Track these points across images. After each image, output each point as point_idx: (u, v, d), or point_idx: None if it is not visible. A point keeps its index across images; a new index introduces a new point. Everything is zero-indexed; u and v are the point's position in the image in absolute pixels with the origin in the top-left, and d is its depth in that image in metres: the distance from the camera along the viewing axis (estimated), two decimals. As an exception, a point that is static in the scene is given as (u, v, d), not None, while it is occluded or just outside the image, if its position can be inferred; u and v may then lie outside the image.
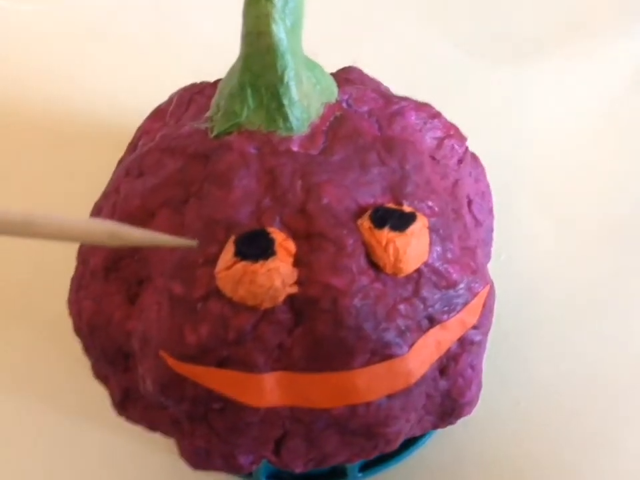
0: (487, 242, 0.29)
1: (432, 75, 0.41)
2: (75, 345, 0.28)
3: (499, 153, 0.37)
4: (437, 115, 0.27)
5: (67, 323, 0.27)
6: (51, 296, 0.31)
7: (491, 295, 0.26)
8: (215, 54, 0.37)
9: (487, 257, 0.29)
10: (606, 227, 0.35)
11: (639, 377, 0.31)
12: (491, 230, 0.29)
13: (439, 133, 0.27)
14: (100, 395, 0.28)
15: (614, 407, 0.31)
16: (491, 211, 0.29)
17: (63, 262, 0.31)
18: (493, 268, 0.28)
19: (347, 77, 0.27)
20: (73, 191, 0.35)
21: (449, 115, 0.31)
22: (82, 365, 0.27)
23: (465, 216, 0.26)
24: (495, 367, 0.31)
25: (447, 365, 0.25)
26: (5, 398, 0.30)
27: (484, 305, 0.25)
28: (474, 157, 0.28)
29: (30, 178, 0.36)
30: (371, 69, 0.40)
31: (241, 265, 0.22)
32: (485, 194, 0.28)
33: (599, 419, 0.30)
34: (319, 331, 0.23)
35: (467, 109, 0.38)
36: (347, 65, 0.39)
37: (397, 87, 0.33)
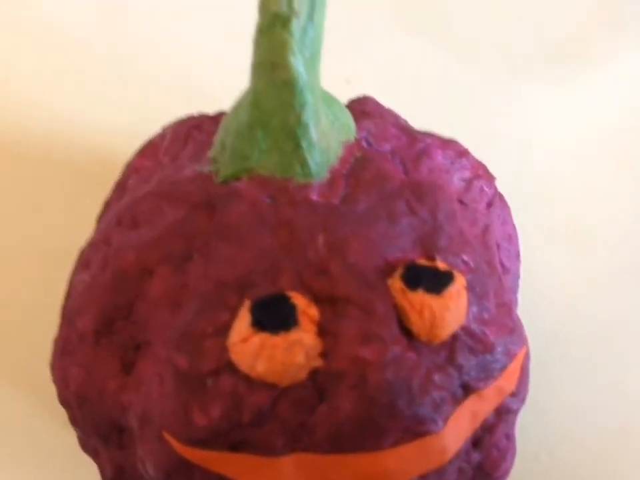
0: (514, 289, 0.26)
1: (432, 93, 0.38)
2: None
3: (507, 177, 0.35)
4: (464, 153, 0.24)
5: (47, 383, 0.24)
6: (30, 350, 0.28)
7: (527, 356, 0.23)
8: (204, 70, 0.35)
9: (515, 304, 0.26)
10: (626, 257, 0.33)
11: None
12: (518, 276, 0.26)
13: (467, 174, 0.24)
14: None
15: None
16: (518, 255, 0.26)
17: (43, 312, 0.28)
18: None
19: (363, 109, 0.24)
20: (43, 231, 0.31)
21: (451, 133, 0.28)
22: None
23: (497, 267, 0.23)
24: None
25: (481, 437, 0.22)
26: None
27: (521, 369, 0.23)
28: (501, 197, 0.26)
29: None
30: (366, 87, 0.37)
31: (259, 338, 0.19)
32: (512, 237, 0.26)
33: (623, 469, 0.28)
34: (346, 409, 0.20)
35: (469, 127, 0.36)
36: (340, 86, 0.37)
37: (395, 103, 0.31)
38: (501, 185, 0.31)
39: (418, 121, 0.33)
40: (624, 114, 0.38)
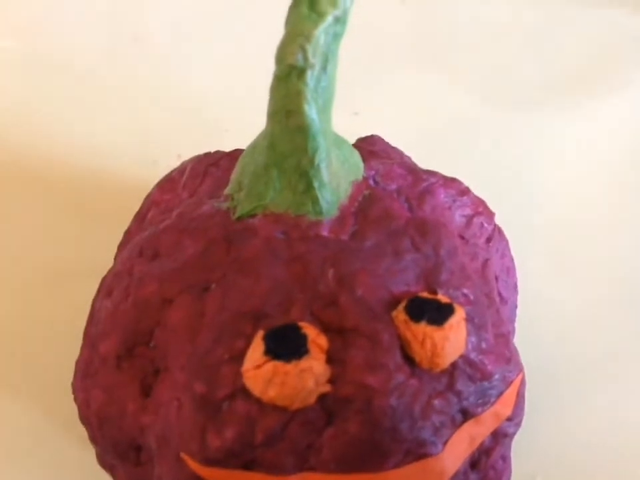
0: (512, 319, 0.28)
1: (436, 125, 0.40)
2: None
3: (512, 208, 0.36)
4: (465, 192, 0.25)
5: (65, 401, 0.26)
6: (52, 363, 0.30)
7: (523, 382, 0.24)
8: (221, 104, 0.36)
9: (512, 334, 0.28)
10: (620, 289, 0.34)
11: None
12: (515, 306, 0.28)
13: (467, 211, 0.25)
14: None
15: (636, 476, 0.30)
16: (515, 286, 0.28)
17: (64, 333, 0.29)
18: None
19: (371, 148, 0.26)
20: (63, 254, 0.33)
21: (456, 166, 0.30)
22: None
23: (496, 299, 0.25)
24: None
25: (478, 459, 0.24)
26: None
27: (517, 394, 0.24)
28: (499, 231, 0.27)
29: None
30: (373, 119, 0.39)
31: (272, 365, 0.21)
32: (510, 269, 0.27)
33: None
34: (352, 432, 0.21)
35: (473, 162, 0.38)
36: (348, 118, 0.39)
37: (402, 135, 0.32)
38: (503, 215, 0.32)
39: (425, 152, 0.34)
40: (632, 144, 0.39)
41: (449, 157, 0.37)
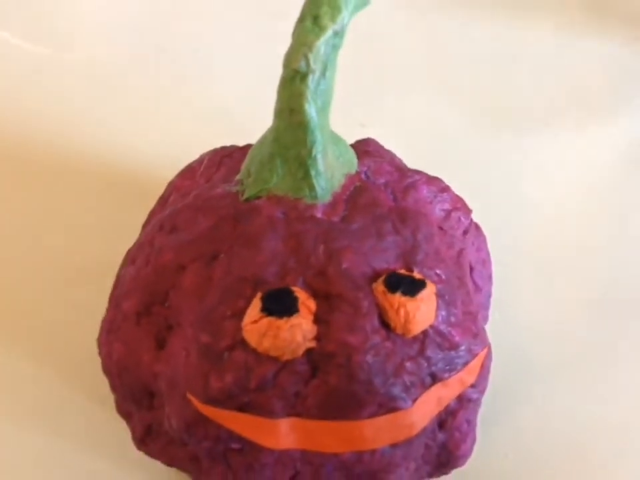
0: (486, 306, 0.31)
1: (435, 140, 0.43)
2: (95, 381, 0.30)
3: (498, 220, 0.39)
4: (446, 189, 0.29)
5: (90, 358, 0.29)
6: (78, 333, 0.33)
7: (488, 356, 0.28)
8: (238, 107, 0.41)
9: (485, 319, 0.31)
10: (599, 294, 0.37)
11: (625, 438, 0.33)
12: (489, 295, 0.31)
13: (447, 206, 0.29)
14: (117, 430, 0.30)
15: (600, 465, 0.32)
16: (490, 277, 0.31)
17: (91, 301, 0.33)
18: (488, 327, 0.30)
19: (365, 149, 0.30)
20: (99, 236, 0.37)
21: (451, 179, 0.33)
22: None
23: (468, 283, 0.28)
24: (485, 421, 0.33)
25: (445, 419, 0.27)
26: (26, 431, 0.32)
27: (482, 366, 0.27)
28: (477, 227, 0.31)
29: (55, 226, 0.38)
30: (377, 131, 0.42)
31: (267, 320, 0.24)
32: (486, 262, 0.31)
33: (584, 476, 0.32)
34: (333, 383, 0.25)
35: (468, 177, 0.41)
36: (355, 129, 0.42)
37: (402, 150, 0.36)
38: (489, 217, 0.35)
39: (422, 164, 0.37)
40: (611, 168, 0.42)
41: (443, 172, 0.41)
